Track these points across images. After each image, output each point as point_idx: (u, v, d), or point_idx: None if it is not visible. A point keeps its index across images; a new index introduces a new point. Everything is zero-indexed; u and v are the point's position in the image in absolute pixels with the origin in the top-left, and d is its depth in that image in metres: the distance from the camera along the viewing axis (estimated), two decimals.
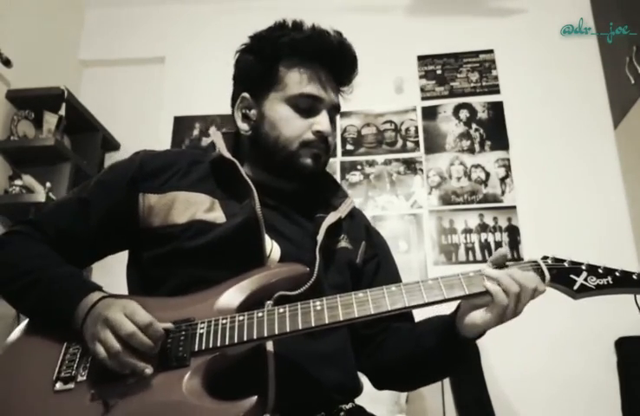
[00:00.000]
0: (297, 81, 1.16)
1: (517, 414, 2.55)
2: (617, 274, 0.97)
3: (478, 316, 0.97)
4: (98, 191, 1.16)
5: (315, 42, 1.17)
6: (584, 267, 0.98)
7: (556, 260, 1.00)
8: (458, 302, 1.00)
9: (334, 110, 1.21)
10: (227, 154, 1.16)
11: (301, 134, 1.15)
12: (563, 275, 0.97)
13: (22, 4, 2.96)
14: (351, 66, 1.22)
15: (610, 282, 0.96)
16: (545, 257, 1.00)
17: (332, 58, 1.18)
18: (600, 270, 0.97)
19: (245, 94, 1.20)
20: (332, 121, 1.20)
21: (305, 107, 1.16)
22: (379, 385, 1.21)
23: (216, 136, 1.23)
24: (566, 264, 0.99)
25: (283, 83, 1.16)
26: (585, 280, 0.96)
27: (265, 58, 1.18)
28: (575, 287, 0.96)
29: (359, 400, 1.11)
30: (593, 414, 2.47)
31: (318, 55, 1.17)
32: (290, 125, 1.15)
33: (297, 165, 1.15)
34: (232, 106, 1.24)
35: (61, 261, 1.09)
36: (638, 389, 2.44)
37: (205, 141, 3.15)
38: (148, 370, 0.89)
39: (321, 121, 1.16)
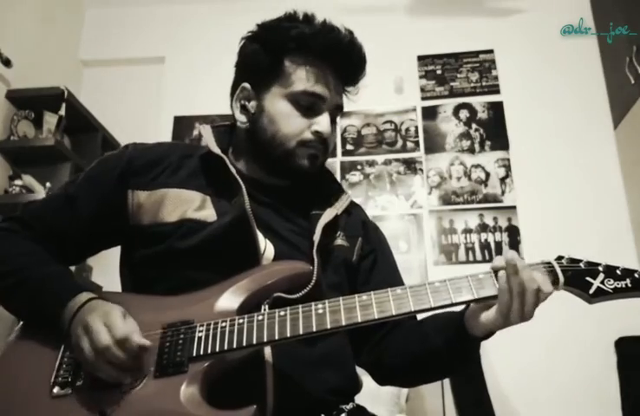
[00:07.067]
0: (303, 77, 1.11)
1: (517, 414, 2.55)
2: (637, 275, 0.89)
3: (485, 316, 0.92)
4: (86, 186, 1.13)
5: (324, 38, 1.12)
6: (600, 268, 0.90)
7: (572, 260, 0.92)
8: None
9: (336, 111, 1.16)
10: (216, 150, 1.11)
11: (299, 133, 1.11)
12: (578, 277, 0.89)
13: (22, 4, 2.96)
14: (359, 66, 1.18)
15: (629, 285, 0.88)
16: (559, 258, 0.93)
17: (340, 57, 1.14)
18: (618, 272, 0.89)
19: (246, 85, 1.15)
20: (333, 122, 1.16)
21: (307, 105, 1.11)
22: (381, 381, 1.18)
23: (205, 130, 1.18)
24: (582, 265, 0.91)
25: (287, 78, 1.12)
26: (602, 283, 0.88)
27: (272, 49, 1.13)
28: (591, 291, 0.88)
29: (358, 400, 1.10)
30: (593, 414, 2.47)
31: (326, 52, 1.12)
32: (289, 122, 1.11)
33: (292, 165, 1.11)
34: (232, 95, 1.18)
35: (48, 259, 1.06)
36: (638, 389, 2.44)
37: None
38: (126, 381, 0.88)
39: (321, 122, 1.11)
